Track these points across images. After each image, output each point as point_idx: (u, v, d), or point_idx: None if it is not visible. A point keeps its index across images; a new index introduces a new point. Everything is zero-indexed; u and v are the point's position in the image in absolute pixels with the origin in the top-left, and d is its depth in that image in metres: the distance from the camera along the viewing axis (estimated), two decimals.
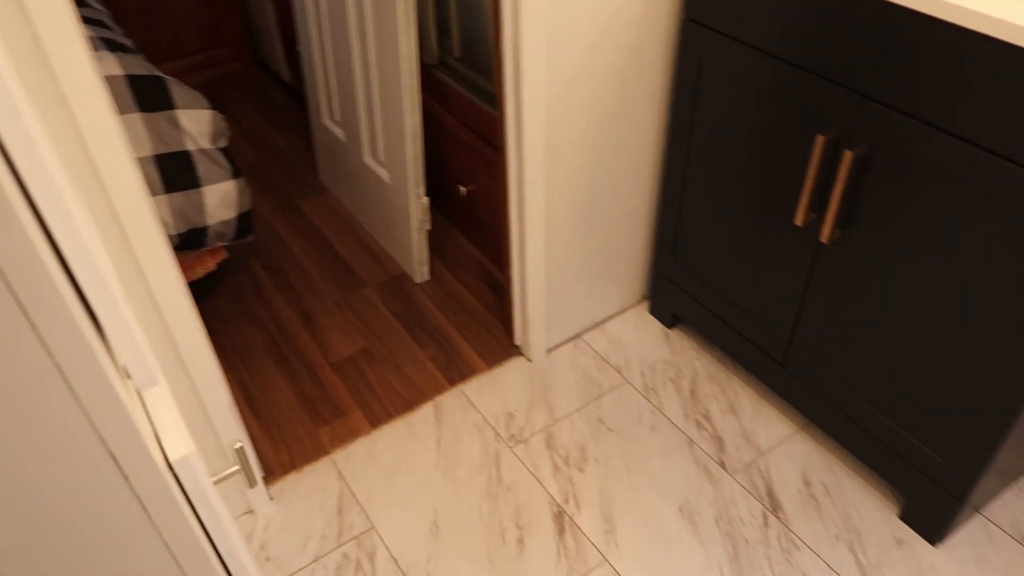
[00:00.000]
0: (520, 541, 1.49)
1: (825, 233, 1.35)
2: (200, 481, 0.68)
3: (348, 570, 1.47)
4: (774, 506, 1.52)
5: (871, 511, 1.50)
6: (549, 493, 1.57)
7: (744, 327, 1.64)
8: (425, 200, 1.94)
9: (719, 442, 1.64)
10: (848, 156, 1.26)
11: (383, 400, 1.78)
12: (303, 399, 1.78)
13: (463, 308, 2.00)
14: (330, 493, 1.59)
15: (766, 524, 1.49)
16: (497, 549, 1.48)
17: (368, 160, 2.09)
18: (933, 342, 1.29)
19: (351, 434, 1.71)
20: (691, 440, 1.65)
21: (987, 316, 1.19)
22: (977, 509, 1.46)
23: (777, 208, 1.46)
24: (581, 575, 1.43)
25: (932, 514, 1.42)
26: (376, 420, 1.74)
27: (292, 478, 1.62)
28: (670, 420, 1.69)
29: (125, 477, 0.58)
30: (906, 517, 1.48)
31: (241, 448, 0.73)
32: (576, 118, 1.54)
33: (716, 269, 1.66)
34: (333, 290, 2.08)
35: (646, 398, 1.74)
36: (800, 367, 1.55)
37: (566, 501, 1.55)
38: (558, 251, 1.71)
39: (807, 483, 1.55)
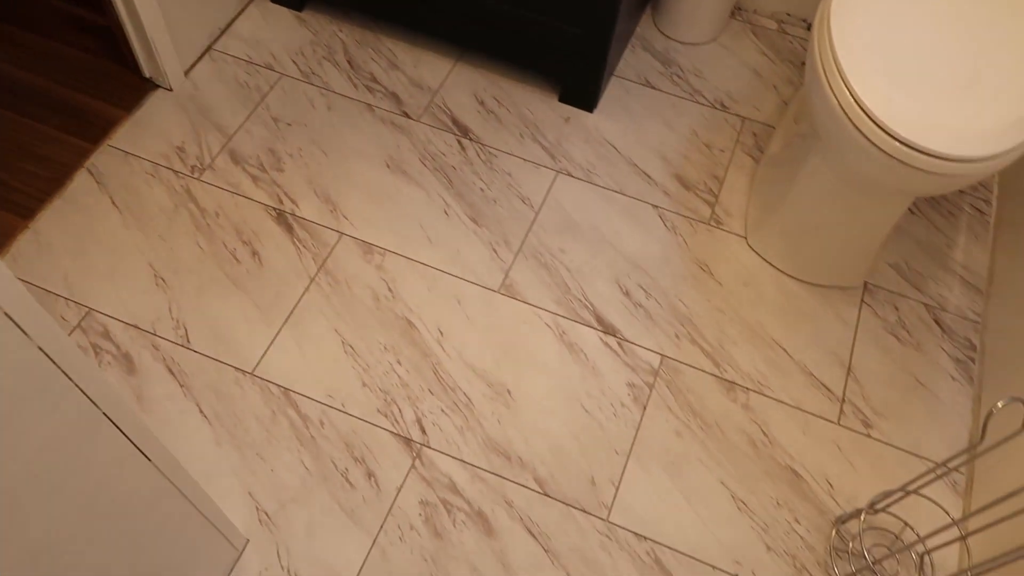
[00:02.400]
0: (255, 254, 1.45)
1: None
2: None
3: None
4: (463, 131, 1.64)
5: (538, 104, 1.69)
6: (259, 202, 1.51)
7: None
8: None
9: (394, 97, 1.68)
10: None
11: (23, 189, 1.50)
12: None
13: (63, 63, 1.67)
14: None
15: (463, 148, 1.62)
16: (235, 270, 1.43)
17: None
18: None
19: (5, 237, 1.44)
20: (369, 105, 1.66)
21: None
22: (612, 73, 1.73)
23: None
24: (325, 256, 1.46)
25: (584, 88, 1.65)
26: (27, 212, 1.47)
27: None
28: (342, 95, 1.67)
29: None
30: (565, 98, 1.69)
31: None
32: None
33: None
34: None
35: (310, 83, 1.68)
36: None
37: (280, 202, 1.52)
38: None
39: (481, 102, 1.69)
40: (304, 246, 1.47)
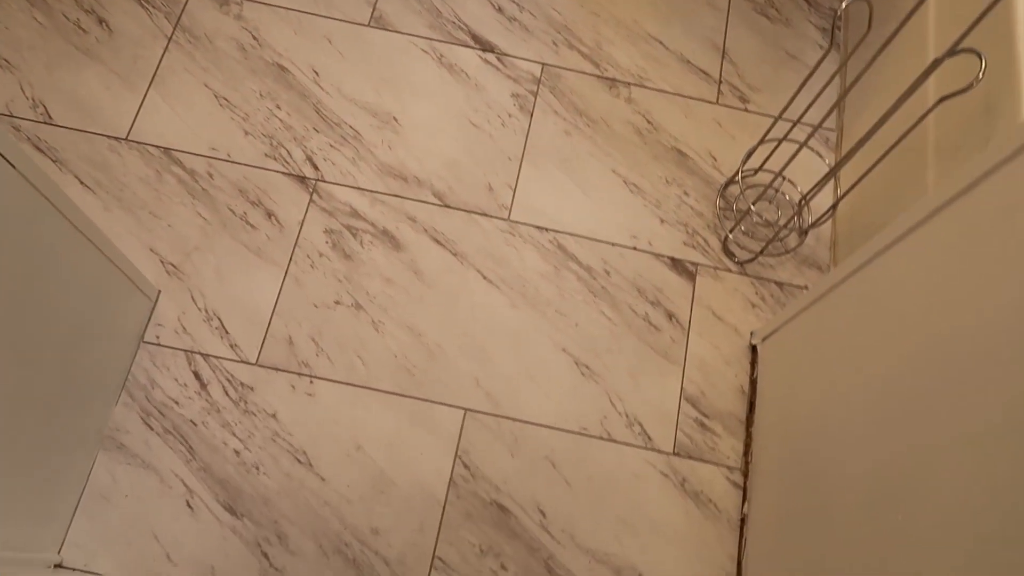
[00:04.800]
0: (101, 21, 1.35)
1: None
2: None
3: None
4: None
5: None
6: None
7: None
8: None
9: None
10: None
11: None
12: None
13: None
14: None
15: None
16: (84, 40, 1.34)
17: None
18: None
19: None
20: None
21: None
22: None
23: None
24: (179, 13, 1.37)
25: None
26: None
27: None
28: None
29: None
30: None
31: None
32: None
33: None
34: None
35: None
36: None
37: None
38: None
39: None
40: (153, 6, 1.37)
